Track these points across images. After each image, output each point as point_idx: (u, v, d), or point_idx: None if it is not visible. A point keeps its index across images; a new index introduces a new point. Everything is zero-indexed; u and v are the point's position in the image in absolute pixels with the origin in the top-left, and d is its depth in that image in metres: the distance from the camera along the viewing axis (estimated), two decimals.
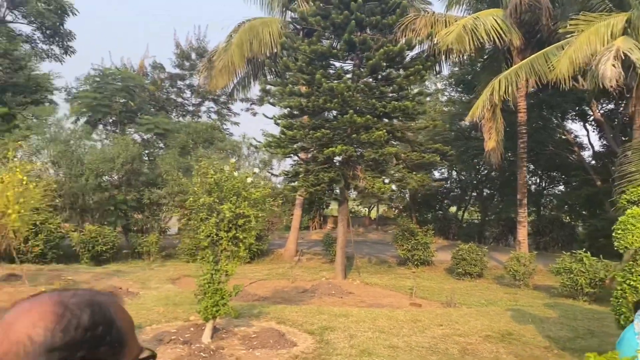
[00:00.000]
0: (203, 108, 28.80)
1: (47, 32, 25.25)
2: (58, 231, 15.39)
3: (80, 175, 15.52)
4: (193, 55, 26.96)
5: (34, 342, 0.78)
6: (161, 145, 21.58)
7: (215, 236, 7.19)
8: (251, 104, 28.52)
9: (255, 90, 21.40)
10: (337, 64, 14.71)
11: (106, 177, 16.74)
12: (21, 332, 0.78)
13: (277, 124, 14.16)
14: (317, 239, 22.64)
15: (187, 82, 27.85)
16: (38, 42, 25.74)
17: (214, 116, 28.31)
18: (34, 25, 25.17)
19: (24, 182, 10.56)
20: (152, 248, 16.40)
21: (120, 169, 16.00)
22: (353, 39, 13.30)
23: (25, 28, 25.70)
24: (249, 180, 7.72)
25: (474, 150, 20.94)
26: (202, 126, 20.18)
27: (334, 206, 33.07)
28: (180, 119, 27.26)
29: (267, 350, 6.98)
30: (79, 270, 13.95)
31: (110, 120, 22.23)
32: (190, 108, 28.62)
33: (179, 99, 28.23)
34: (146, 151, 18.90)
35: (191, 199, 7.40)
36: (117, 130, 21.57)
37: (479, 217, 28.50)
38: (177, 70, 27.36)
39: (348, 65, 14.82)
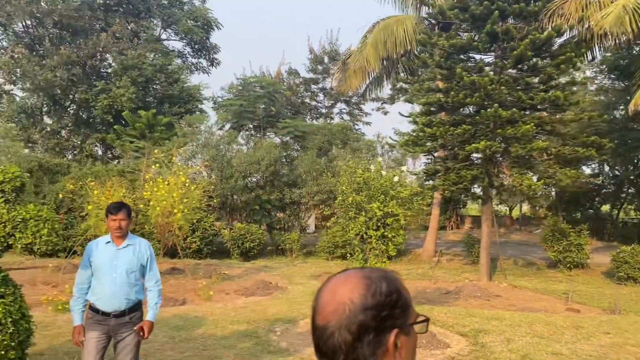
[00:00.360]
0: (335, 110, 29.50)
1: (196, 46, 27.52)
2: (212, 229, 16.66)
3: (230, 177, 16.69)
4: (326, 59, 27.69)
5: (354, 303, 1.06)
6: (297, 147, 22.49)
7: (365, 234, 7.31)
8: (382, 103, 28.62)
9: (387, 89, 21.45)
10: (477, 57, 14.18)
11: (252, 178, 17.82)
12: (344, 295, 1.07)
13: (415, 122, 13.98)
14: (455, 240, 21.99)
15: (320, 85, 28.68)
16: (188, 56, 28.19)
17: (346, 117, 28.85)
18: (184, 41, 27.60)
19: (187, 184, 11.61)
20: (294, 245, 17.11)
21: (265, 171, 16.92)
22: (495, 29, 12.69)
23: (176, 44, 28.34)
24: (396, 179, 7.73)
25: (635, 142, 18.93)
26: (337, 127, 20.64)
27: (470, 205, 31.92)
28: (314, 121, 28.17)
29: (420, 349, 6.92)
30: (231, 265, 14.98)
31: (251, 125, 23.64)
32: (323, 110, 29.43)
33: (313, 102, 29.16)
34: (285, 153, 19.72)
35: (340, 197, 7.57)
36: (258, 135, 22.89)
37: (638, 216, 25.68)
38: (311, 75, 28.27)
39: (489, 58, 14.19)
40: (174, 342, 6.85)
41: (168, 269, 13.75)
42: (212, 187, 13.29)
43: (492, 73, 13.23)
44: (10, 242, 3.77)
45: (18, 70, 20.89)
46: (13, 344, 3.62)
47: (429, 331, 5.44)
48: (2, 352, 3.55)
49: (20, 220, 3.78)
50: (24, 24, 22.99)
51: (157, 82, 23.66)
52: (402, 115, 14.53)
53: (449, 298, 11.66)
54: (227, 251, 16.89)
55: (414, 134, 14.13)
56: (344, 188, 7.53)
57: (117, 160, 22.36)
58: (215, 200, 13.53)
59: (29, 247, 3.77)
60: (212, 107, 27.19)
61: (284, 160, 19.29)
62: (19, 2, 20.34)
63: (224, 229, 16.97)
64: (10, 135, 19.26)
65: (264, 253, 17.51)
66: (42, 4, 21.06)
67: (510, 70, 13.39)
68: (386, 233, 7.31)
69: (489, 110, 12.18)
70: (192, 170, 13.19)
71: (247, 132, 23.70)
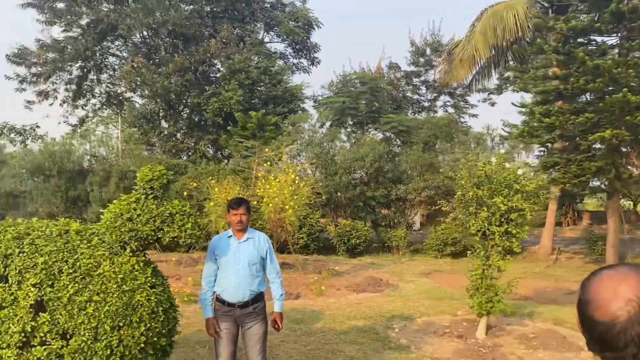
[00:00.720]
0: (439, 103, 28.78)
1: (297, 47, 28.08)
2: (317, 225, 16.89)
3: (334, 174, 16.83)
4: (428, 51, 27.08)
5: None
6: (398, 142, 22.20)
7: (487, 230, 6.99)
8: (489, 94, 27.46)
9: (494, 79, 20.50)
10: (599, 40, 13.12)
11: (356, 174, 17.85)
12: (629, 292, 1.13)
13: (532, 112, 13.21)
14: (573, 236, 20.57)
15: (422, 78, 28.09)
16: (289, 57, 28.84)
17: (450, 110, 28.03)
18: (286, 42, 28.27)
19: (296, 181, 11.86)
20: (401, 242, 16.88)
21: (370, 167, 16.86)
22: (621, 8, 11.66)
23: (278, 46, 29.09)
24: (520, 171, 7.32)
25: None
26: (443, 120, 20.10)
27: (587, 200, 29.68)
28: (416, 115, 27.66)
29: (551, 352, 6.51)
30: (338, 261, 15.08)
31: (351, 122, 23.70)
32: (426, 104, 28.81)
33: (415, 96, 28.65)
34: (388, 148, 19.52)
35: (459, 192, 7.29)
36: (359, 131, 22.90)
37: None
38: (412, 68, 27.78)
39: (612, 40, 13.10)
40: (296, 335, 6.99)
41: (279, 263, 14.14)
42: (320, 183, 13.45)
43: (617, 56, 12.17)
44: (159, 236, 3.97)
45: (138, 78, 22.54)
46: (164, 331, 3.84)
47: (557, 332, 5.04)
48: (155, 339, 3.77)
49: (167, 215, 3.97)
50: (141, 35, 24.76)
51: (262, 84, 24.44)
52: (515, 105, 13.79)
53: (573, 298, 10.89)
54: (332, 247, 17.05)
55: (530, 124, 13.36)
56: (463, 182, 7.24)
57: (227, 160, 23.44)
58: (323, 197, 13.68)
59: (175, 240, 3.98)
60: (313, 106, 27.64)
61: (388, 156, 19.08)
62: (138, 15, 21.93)
63: (330, 225, 17.15)
64: (133, 139, 20.85)
65: (369, 250, 17.46)
66: (157, 15, 22.52)
67: (638, 52, 12.26)
68: (510, 229, 6.94)
69: (614, 96, 11.21)
70: (298, 168, 13.43)
71: (347, 129, 23.82)
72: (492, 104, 28.03)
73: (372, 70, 26.92)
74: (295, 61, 28.88)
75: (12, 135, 27.43)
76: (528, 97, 18.55)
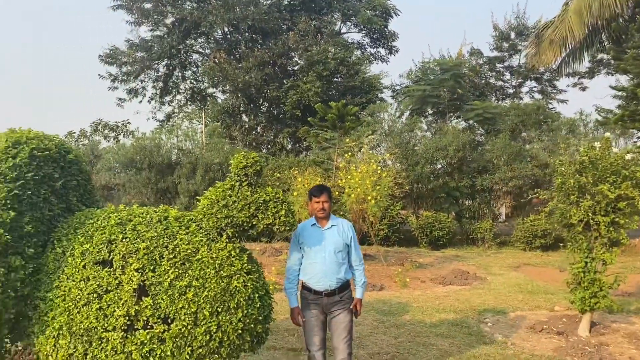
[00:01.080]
0: (524, 89, 27.37)
1: (374, 36, 27.70)
2: (398, 217, 16.58)
3: (416, 164, 16.42)
4: (512, 35, 25.79)
5: None
6: (481, 131, 21.31)
7: (591, 221, 6.47)
8: (579, 78, 25.77)
9: (586, 62, 19.15)
10: None
11: (438, 165, 17.33)
12: None
13: (633, 95, 12.18)
14: None
15: (506, 63, 26.82)
16: (367, 47, 28.50)
17: (537, 96, 26.58)
18: (363, 32, 27.96)
19: (378, 172, 11.66)
20: (486, 235, 16.22)
21: (453, 157, 16.30)
22: None
23: (355, 36, 28.85)
24: (629, 156, 6.71)
25: None
26: (531, 107, 19.03)
27: None
28: (500, 102, 26.47)
29: None
30: (421, 253, 14.74)
31: (431, 112, 23.06)
32: (510, 90, 27.50)
33: (498, 82, 27.41)
34: (471, 137, 18.77)
35: (559, 179, 6.80)
36: (438, 120, 22.22)
37: None
38: (495, 53, 26.60)
39: None
40: (385, 327, 6.84)
41: None
42: (404, 173, 13.15)
43: None
44: (254, 223, 3.96)
45: (220, 74, 23.17)
46: (260, 318, 3.82)
47: None
48: (252, 326, 3.76)
49: (261, 202, 3.94)
50: (222, 31, 25.42)
51: (340, 75, 24.34)
52: (613, 89, 12.76)
53: None
54: (414, 239, 16.69)
55: (630, 108, 12.33)
56: (563, 169, 6.75)
57: (305, 153, 23.60)
58: (406, 187, 13.37)
59: (269, 227, 3.95)
60: (392, 96, 27.19)
61: (472, 145, 18.33)
62: (219, 11, 22.51)
63: (411, 217, 16.79)
64: (216, 133, 21.50)
65: (452, 242, 16.92)
66: (237, 10, 23.00)
67: None
68: (617, 219, 6.38)
69: None
70: (380, 159, 13.20)
71: (427, 119, 23.20)
72: (583, 89, 26.27)
73: (453, 58, 26.06)
74: (372, 51, 28.52)
75: (106, 131, 29.23)
76: (623, 80, 17.21)
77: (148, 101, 28.33)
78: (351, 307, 4.20)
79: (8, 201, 3.60)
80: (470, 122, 20.78)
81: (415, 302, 8.46)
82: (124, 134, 29.07)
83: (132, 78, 26.58)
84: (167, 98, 28.59)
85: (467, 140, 16.97)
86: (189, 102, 28.94)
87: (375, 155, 12.88)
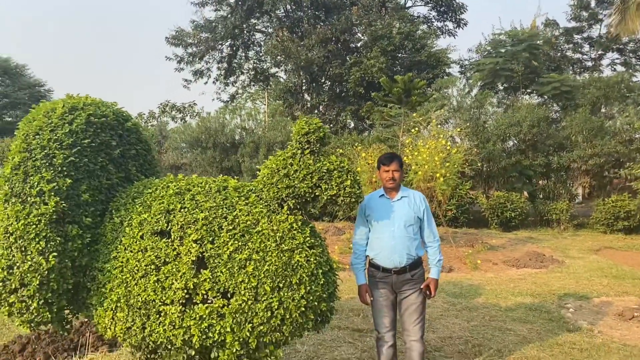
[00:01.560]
0: (605, 61, 25.52)
1: (441, 9, 26.59)
2: (467, 197, 15.88)
3: (487, 141, 15.60)
4: (592, 3, 23.97)
5: None
6: (556, 107, 20.00)
7: None
8: None
9: None
10: None
11: (510, 142, 16.40)
12: None
13: None
14: None
15: (585, 34, 25.02)
16: (433, 20, 27.43)
17: (619, 69, 24.69)
18: (430, 5, 26.90)
19: (447, 148, 11.07)
20: (562, 216, 15.24)
21: (527, 133, 15.32)
22: None
23: (421, 9, 27.81)
24: None
25: None
26: (615, 79, 17.58)
27: None
28: (577, 77, 24.79)
29: None
30: (491, 235, 14.05)
31: (502, 87, 21.88)
32: (589, 63, 25.69)
33: (576, 55, 25.66)
34: (547, 112, 17.62)
35: None
36: (513, 95, 21.04)
37: None
38: (573, 24, 24.85)
39: None
40: (456, 310, 6.42)
41: None
42: (475, 149, 12.43)
43: None
44: (316, 194, 3.66)
45: (282, 52, 22.98)
46: (324, 295, 3.54)
47: None
48: (315, 303, 3.49)
49: (325, 171, 3.63)
50: (285, 9, 25.18)
51: (405, 50, 23.55)
52: None
53: None
54: (484, 220, 15.95)
55: None
56: None
57: (368, 131, 23.10)
58: (478, 164, 12.66)
59: (333, 199, 3.62)
60: (460, 71, 26.11)
61: (546, 121, 17.21)
62: None
63: (481, 197, 16.02)
64: (278, 112, 21.42)
65: (525, 224, 16.04)
66: None
67: None
68: None
69: None
70: (449, 134, 12.55)
71: (497, 95, 22.05)
72: None
73: (526, 30, 24.60)
74: (439, 24, 27.43)
75: (173, 112, 29.93)
76: None
77: (213, 82, 28.72)
78: (425, 287, 3.81)
79: (64, 168, 3.49)
80: (545, 97, 19.54)
81: (488, 285, 7.96)
82: (190, 115, 29.67)
83: (197, 59, 26.97)
84: (231, 79, 28.85)
85: (543, 115, 15.91)
86: (252, 83, 29.07)
87: (444, 131, 12.23)
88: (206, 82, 28.64)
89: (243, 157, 17.93)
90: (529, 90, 21.02)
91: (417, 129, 12.17)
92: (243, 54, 28.19)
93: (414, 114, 12.32)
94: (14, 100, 28.50)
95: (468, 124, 14.86)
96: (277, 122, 19.78)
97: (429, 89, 19.54)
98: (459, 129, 12.81)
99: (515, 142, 16.40)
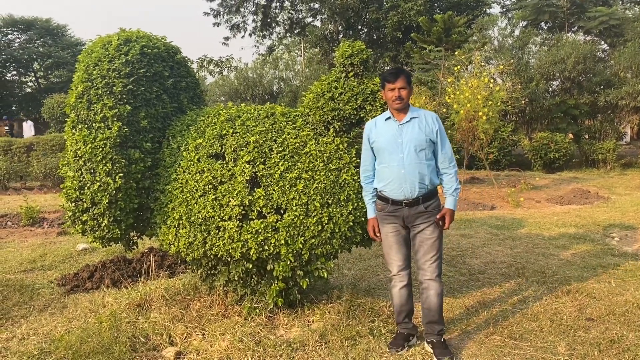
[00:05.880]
0: None
1: None
2: (510, 138, 15.65)
3: (530, 80, 15.19)
4: None
5: None
6: (603, 46, 19.13)
7: None
8: None
9: None
10: None
11: (556, 81, 15.91)
12: None
13: None
14: None
15: None
16: None
17: None
18: None
19: (490, 86, 10.87)
20: (609, 156, 14.87)
21: (572, 70, 14.82)
22: None
23: None
24: None
25: None
26: None
27: None
28: (626, 12, 23.47)
29: None
30: (534, 176, 13.89)
31: (546, 27, 21.00)
32: None
33: None
34: (593, 48, 16.90)
35: None
36: (558, 32, 20.21)
37: None
38: None
39: None
40: (499, 239, 6.52)
41: (468, 178, 13.50)
42: (519, 86, 12.11)
43: None
44: (361, 115, 3.78)
45: (317, 1, 22.60)
46: None
47: None
48: (362, 219, 3.66)
49: (369, 92, 3.73)
50: None
51: None
52: None
53: None
54: (526, 163, 15.73)
55: None
56: None
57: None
58: (522, 102, 12.39)
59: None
60: (500, 12, 25.14)
61: (593, 58, 16.52)
62: None
63: (524, 139, 15.75)
64: (316, 59, 21.33)
65: (569, 165, 15.75)
66: None
67: None
68: None
69: None
70: (492, 71, 12.27)
71: (540, 35, 21.21)
72: None
73: None
74: None
75: (211, 67, 30.15)
76: None
77: (249, 35, 28.60)
78: (438, 218, 3.35)
79: (124, 96, 3.71)
80: (592, 34, 18.71)
81: (531, 218, 7.99)
82: (227, 69, 29.84)
83: (233, 11, 26.83)
84: (268, 31, 28.67)
85: (588, 51, 15.30)
86: (287, 34, 28.82)
87: (487, 68, 11.98)
88: (243, 36, 28.67)
89: None
90: (574, 28, 20.15)
91: (458, 67, 11.96)
92: (278, 4, 27.86)
93: (457, 51, 12.06)
94: (57, 60, 29.24)
95: (511, 61, 14.43)
96: (314, 69, 19.74)
97: (469, 29, 18.98)
98: (501, 66, 12.46)
99: (560, 81, 15.91)
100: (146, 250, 5.81)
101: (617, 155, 15.06)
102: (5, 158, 13.61)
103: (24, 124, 19.11)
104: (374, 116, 3.71)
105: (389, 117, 3.40)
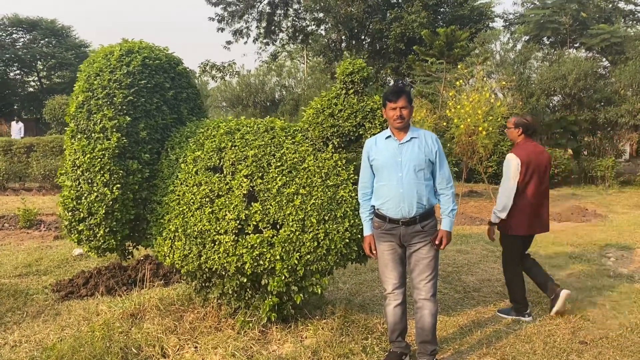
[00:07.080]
0: None
1: None
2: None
3: (530, 96, 15.24)
4: None
5: None
6: (604, 63, 19.20)
7: None
8: None
9: None
10: None
11: (556, 97, 15.96)
12: None
13: None
14: None
15: None
16: None
17: None
18: None
19: (491, 101, 10.91)
20: (608, 173, 14.90)
21: (573, 87, 14.87)
22: None
23: None
24: None
25: None
26: None
27: None
28: (629, 30, 23.59)
29: None
30: None
31: (548, 42, 21.09)
32: None
33: (629, 7, 24.33)
34: (594, 65, 16.95)
35: None
36: (560, 48, 20.29)
37: None
38: None
39: None
40: (495, 256, 6.52)
41: (466, 191, 13.52)
42: (520, 103, 12.17)
43: None
44: (360, 133, 3.80)
45: (322, 3, 22.60)
46: None
47: None
48: (359, 236, 3.68)
49: (369, 110, 3.76)
50: None
51: (446, 4, 22.92)
52: None
53: None
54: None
55: None
56: None
57: (409, 87, 22.83)
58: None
59: None
60: (503, 26, 25.25)
61: (594, 74, 16.58)
62: None
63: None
64: (319, 68, 21.40)
65: (568, 181, 15.77)
66: None
67: None
68: None
69: None
70: (493, 85, 12.31)
71: (543, 49, 21.30)
72: None
73: None
74: None
75: (214, 72, 30.24)
76: None
77: (253, 41, 28.71)
78: (434, 240, 3.36)
79: (124, 107, 3.72)
80: (593, 51, 18.78)
81: None
82: (229, 74, 29.93)
83: (237, 17, 26.95)
84: (271, 38, 28.78)
85: (589, 67, 15.37)
86: (291, 41, 28.94)
87: (488, 83, 12.02)
88: (246, 42, 28.82)
89: (283, 115, 18.12)
90: (576, 44, 20.24)
91: (460, 81, 12.00)
92: (282, 12, 28.00)
93: (459, 65, 12.10)
94: (61, 61, 29.31)
95: (513, 76, 14.48)
96: (317, 78, 19.81)
97: (471, 43, 19.06)
98: (503, 82, 12.51)
99: (560, 97, 15.96)
100: (142, 258, 5.81)
101: (616, 172, 15.09)
102: (5, 158, 13.63)
103: (13, 123, 18.75)
104: (373, 134, 3.73)
105: (390, 136, 3.41)
